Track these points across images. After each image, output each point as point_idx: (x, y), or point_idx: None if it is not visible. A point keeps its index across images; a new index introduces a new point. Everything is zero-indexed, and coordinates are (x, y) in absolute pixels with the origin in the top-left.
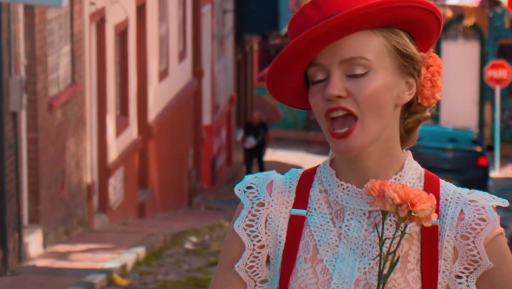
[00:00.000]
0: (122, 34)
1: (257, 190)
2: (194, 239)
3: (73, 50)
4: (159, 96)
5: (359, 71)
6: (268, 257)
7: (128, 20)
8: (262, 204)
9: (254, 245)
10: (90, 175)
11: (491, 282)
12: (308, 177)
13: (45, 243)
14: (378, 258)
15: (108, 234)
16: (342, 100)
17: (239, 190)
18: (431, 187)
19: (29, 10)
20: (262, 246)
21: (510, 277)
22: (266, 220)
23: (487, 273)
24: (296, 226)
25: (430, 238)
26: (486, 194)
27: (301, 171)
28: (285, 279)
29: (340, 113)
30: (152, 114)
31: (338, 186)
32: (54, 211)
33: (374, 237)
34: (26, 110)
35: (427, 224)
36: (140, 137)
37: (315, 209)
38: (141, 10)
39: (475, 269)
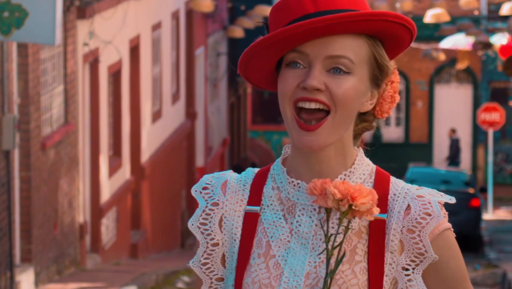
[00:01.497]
0: (115, 75)
1: (212, 191)
2: (186, 279)
3: (67, 90)
4: (152, 137)
5: (342, 69)
6: (224, 256)
7: (122, 61)
8: (217, 204)
9: (207, 243)
10: (82, 215)
11: (440, 275)
12: (262, 175)
13: (37, 282)
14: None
15: (100, 273)
16: (319, 93)
17: (196, 191)
18: (381, 183)
19: (22, 50)
20: (216, 244)
21: (458, 270)
22: (221, 220)
23: (435, 266)
24: (250, 223)
25: (377, 232)
26: (434, 191)
27: (256, 170)
28: (240, 275)
29: (313, 106)
30: (145, 155)
31: (289, 183)
32: (47, 250)
33: (331, 229)
34: (19, 149)
35: (369, 218)
36: (133, 178)
37: (268, 206)
38: (134, 51)
39: (421, 261)
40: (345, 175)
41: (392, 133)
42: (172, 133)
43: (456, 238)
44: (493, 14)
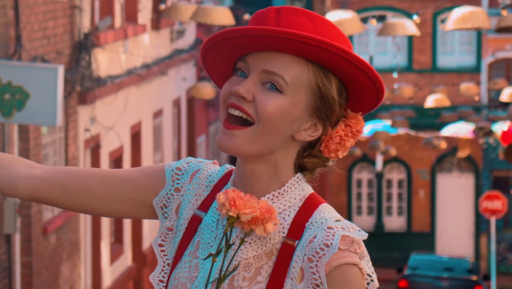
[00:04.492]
0: (117, 161)
1: (182, 174)
2: None
3: None
4: (153, 224)
5: (276, 87)
6: None
7: (123, 147)
8: (179, 190)
9: (165, 225)
10: None
11: None
12: (227, 176)
13: None
14: (211, 258)
15: None
16: (246, 103)
17: (169, 167)
18: (306, 209)
19: (24, 134)
20: (170, 229)
21: None
22: (179, 206)
23: None
24: (193, 224)
25: (284, 256)
26: (352, 225)
27: (228, 170)
28: (172, 268)
29: (237, 113)
30: (147, 242)
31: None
32: None
33: (236, 241)
34: (20, 234)
35: (261, 232)
36: (135, 265)
37: (213, 208)
38: (136, 138)
39: None
40: (273, 195)
41: (394, 222)
42: None
43: None
44: (494, 102)
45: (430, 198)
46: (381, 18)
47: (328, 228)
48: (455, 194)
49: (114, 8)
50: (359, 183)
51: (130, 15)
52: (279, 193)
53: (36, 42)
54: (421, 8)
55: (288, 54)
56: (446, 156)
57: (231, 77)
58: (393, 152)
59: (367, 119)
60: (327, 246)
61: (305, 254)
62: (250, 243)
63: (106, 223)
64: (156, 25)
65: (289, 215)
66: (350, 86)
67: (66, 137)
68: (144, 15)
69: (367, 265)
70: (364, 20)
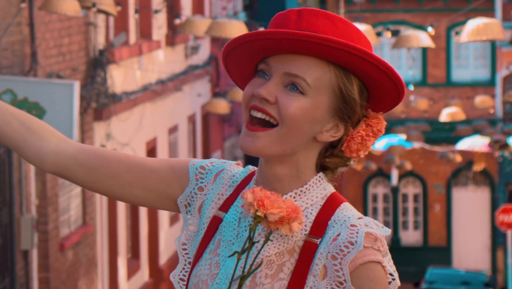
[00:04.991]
0: None
1: (206, 174)
2: None
3: (84, 192)
4: (170, 240)
5: (298, 88)
6: None
7: None
8: (202, 189)
9: (188, 223)
10: None
11: None
12: (250, 177)
13: None
14: (236, 256)
15: None
16: (268, 105)
17: (193, 165)
18: (328, 208)
19: None
20: (193, 228)
21: None
22: (201, 205)
23: None
24: (215, 222)
25: (306, 254)
26: (374, 222)
27: (251, 170)
28: (193, 265)
29: (259, 115)
30: (163, 257)
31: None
32: None
33: (259, 238)
34: (37, 250)
35: (286, 231)
36: (152, 280)
37: (234, 206)
38: (151, 154)
39: None
40: (295, 193)
41: (411, 236)
42: None
43: None
44: (509, 115)
45: (446, 212)
46: (395, 33)
47: (352, 225)
48: (471, 207)
49: (128, 25)
50: (374, 198)
51: (145, 31)
52: (301, 191)
53: (52, 59)
54: (435, 22)
55: (309, 56)
56: (461, 170)
57: (253, 79)
58: (408, 166)
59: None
60: (352, 244)
61: (328, 252)
62: (272, 241)
63: (122, 239)
64: (170, 41)
65: (311, 213)
66: (371, 87)
67: None
68: (159, 32)
69: (389, 264)
70: (378, 34)
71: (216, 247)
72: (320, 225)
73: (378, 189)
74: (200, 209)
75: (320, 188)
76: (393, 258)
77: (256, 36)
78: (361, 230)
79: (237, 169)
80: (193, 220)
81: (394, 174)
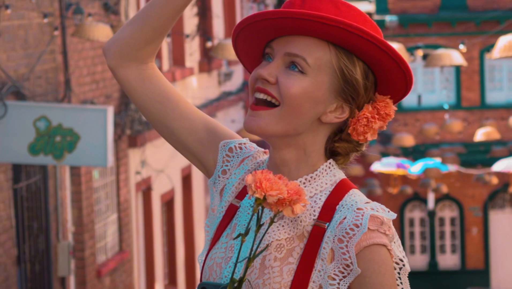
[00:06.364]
0: (168, 204)
1: (232, 157)
2: None
3: (120, 218)
4: None
5: (298, 68)
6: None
7: (174, 189)
8: (225, 173)
9: (210, 208)
10: None
11: None
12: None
13: None
14: (240, 238)
15: None
16: (270, 85)
17: (224, 146)
18: (337, 193)
19: (75, 178)
20: (213, 210)
21: (381, 287)
22: (223, 189)
23: (358, 280)
24: (233, 207)
25: (315, 238)
26: (381, 206)
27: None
28: (210, 249)
29: (262, 96)
30: None
31: None
32: None
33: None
34: (74, 276)
35: (288, 213)
36: None
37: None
38: (186, 180)
39: (348, 274)
40: (305, 179)
41: (448, 260)
42: None
43: None
44: None
45: (483, 235)
46: (426, 57)
47: (358, 209)
48: (509, 230)
49: (161, 52)
50: (411, 222)
51: (178, 58)
52: (311, 177)
53: (85, 87)
54: (467, 43)
55: (310, 37)
56: (498, 192)
57: (260, 64)
58: (444, 189)
59: (416, 158)
60: (357, 226)
61: (335, 235)
62: (283, 226)
63: (159, 265)
64: (204, 67)
65: (320, 199)
66: (376, 69)
67: (118, 180)
68: (191, 58)
69: (398, 249)
70: (411, 54)
71: (232, 231)
72: (328, 210)
73: (415, 213)
74: (222, 192)
75: (330, 175)
76: (431, 282)
77: (255, 18)
78: (367, 213)
79: (262, 157)
80: (214, 202)
81: (431, 197)
